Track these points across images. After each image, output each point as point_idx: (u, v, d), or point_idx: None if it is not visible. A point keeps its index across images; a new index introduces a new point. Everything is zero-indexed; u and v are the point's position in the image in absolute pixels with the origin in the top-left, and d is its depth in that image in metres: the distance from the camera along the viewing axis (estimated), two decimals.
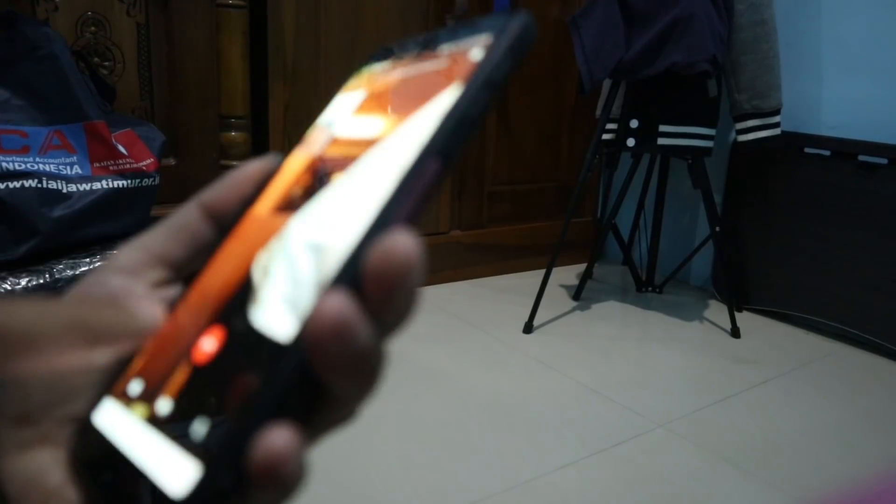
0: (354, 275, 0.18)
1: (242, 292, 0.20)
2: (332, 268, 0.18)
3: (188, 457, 0.18)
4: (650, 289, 2.07)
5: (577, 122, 2.25)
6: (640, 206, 2.08)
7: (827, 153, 1.75)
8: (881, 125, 1.68)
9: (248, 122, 1.48)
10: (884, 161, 1.65)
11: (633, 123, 1.70)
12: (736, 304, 1.87)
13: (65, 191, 1.09)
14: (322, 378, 0.18)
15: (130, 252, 0.23)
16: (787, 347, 1.70)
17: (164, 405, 0.19)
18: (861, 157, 1.69)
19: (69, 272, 1.09)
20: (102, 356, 0.21)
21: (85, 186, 1.11)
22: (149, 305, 0.22)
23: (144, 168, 1.20)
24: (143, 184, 1.19)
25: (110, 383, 0.21)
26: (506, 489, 1.07)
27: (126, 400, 0.20)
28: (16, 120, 1.10)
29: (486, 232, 2.14)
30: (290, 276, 0.19)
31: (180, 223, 0.24)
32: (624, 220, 2.17)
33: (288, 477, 0.17)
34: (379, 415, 1.27)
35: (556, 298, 1.95)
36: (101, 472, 0.19)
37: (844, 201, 1.72)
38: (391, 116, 0.22)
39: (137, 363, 0.21)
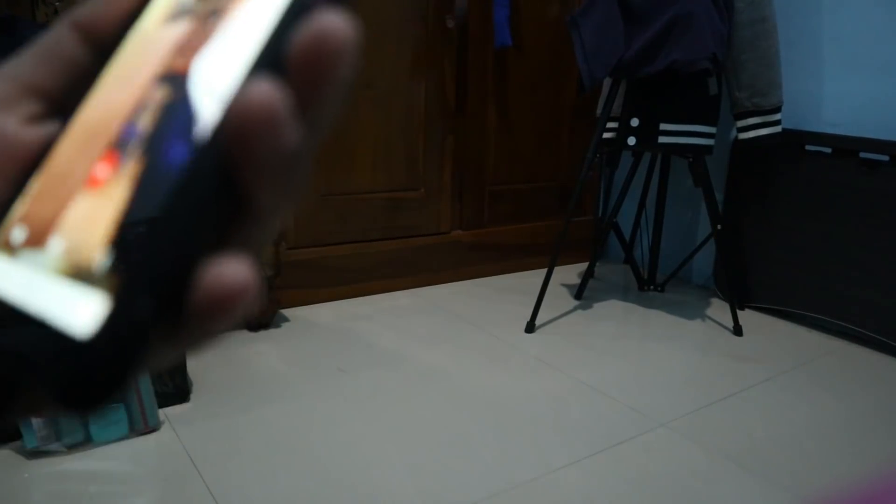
0: (279, 59, 0.16)
1: (143, 109, 0.17)
2: (252, 53, 0.16)
3: (93, 291, 0.15)
4: (652, 287, 2.07)
5: (577, 121, 2.25)
6: (641, 205, 2.08)
7: (828, 151, 1.75)
8: (882, 122, 1.67)
9: None
10: (885, 158, 1.65)
11: (634, 122, 1.70)
12: (738, 302, 1.87)
13: None
14: (244, 182, 0.16)
15: None
16: (789, 345, 1.70)
17: (56, 244, 0.17)
18: (862, 155, 1.69)
19: None
20: None
21: None
22: (23, 142, 0.19)
23: None
24: None
25: None
26: (508, 489, 1.07)
27: (8, 249, 0.18)
28: None
29: (486, 231, 2.14)
30: (201, 77, 0.17)
31: (52, 48, 0.20)
32: (625, 219, 2.17)
33: (243, 308, 0.15)
34: (380, 414, 1.27)
35: (558, 298, 1.95)
36: None
37: (846, 199, 1.72)
38: None
39: (19, 208, 0.18)
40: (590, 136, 1.81)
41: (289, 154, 0.16)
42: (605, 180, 2.32)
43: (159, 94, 0.17)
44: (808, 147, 1.79)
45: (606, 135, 1.84)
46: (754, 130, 1.71)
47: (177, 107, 0.17)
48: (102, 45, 0.20)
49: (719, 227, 1.78)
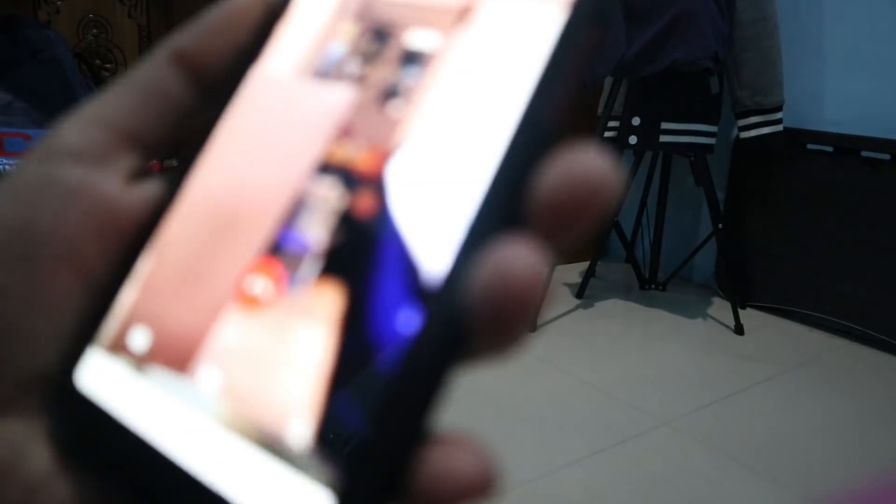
0: (524, 204, 0.13)
1: (303, 206, 0.13)
2: (487, 183, 0.13)
3: (274, 465, 0.12)
4: (653, 286, 2.07)
5: (578, 120, 2.25)
6: (643, 204, 2.08)
7: (829, 149, 1.75)
8: (884, 121, 1.67)
9: None
10: (887, 157, 1.65)
11: (635, 121, 1.70)
12: (739, 301, 1.87)
13: None
14: (478, 341, 0.13)
15: (87, 128, 0.15)
16: (790, 344, 1.70)
17: (212, 379, 0.13)
18: (864, 153, 1.68)
19: None
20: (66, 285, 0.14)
21: None
22: (126, 206, 0.15)
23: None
24: None
25: (90, 327, 0.14)
26: (509, 488, 1.07)
27: (129, 355, 0.14)
28: (18, 122, 1.10)
29: None
30: (410, 194, 0.13)
31: (150, 83, 0.16)
32: (626, 218, 2.17)
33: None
34: None
35: (560, 297, 1.95)
36: (97, 456, 0.14)
37: (847, 197, 1.72)
38: None
39: (132, 299, 0.14)
40: (591, 135, 1.81)
41: (534, 307, 0.13)
42: None
43: (328, 193, 0.13)
44: (809, 146, 1.79)
45: (608, 134, 1.84)
46: (756, 129, 1.71)
47: (369, 226, 0.13)
48: (208, 82, 0.16)
49: (720, 225, 1.78)
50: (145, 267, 0.14)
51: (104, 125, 0.15)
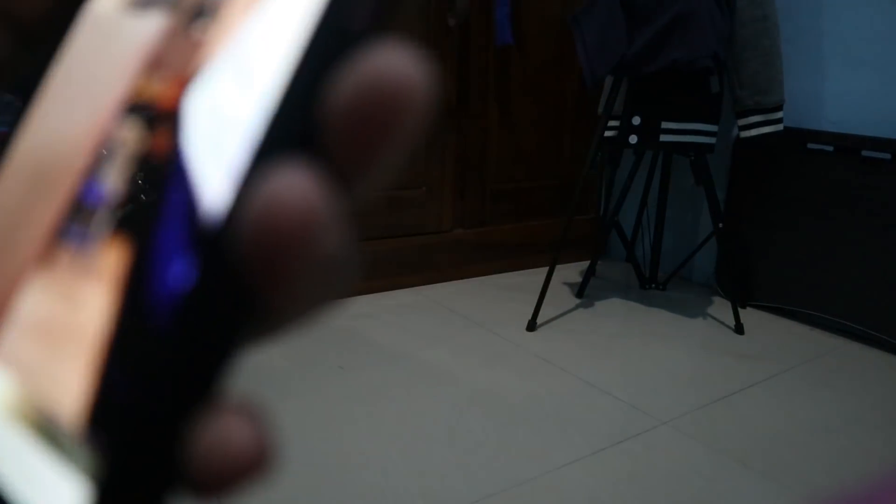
0: (315, 116, 0.11)
1: (107, 153, 0.12)
2: (274, 101, 0.11)
3: (62, 464, 0.12)
4: (653, 286, 2.07)
5: (578, 119, 2.25)
6: (643, 204, 2.08)
7: (830, 149, 1.75)
8: (884, 120, 1.67)
9: None
10: (887, 156, 1.65)
11: (636, 120, 1.70)
12: (739, 300, 1.86)
13: None
14: (260, 300, 0.11)
15: None
16: (791, 344, 1.70)
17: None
18: (864, 153, 1.68)
19: None
20: None
21: None
22: None
23: None
24: None
25: None
26: (510, 487, 1.07)
27: None
28: None
29: (488, 230, 2.14)
30: (194, 125, 0.12)
31: None
32: (627, 218, 2.17)
33: (255, 480, 0.12)
34: (381, 412, 1.27)
35: (560, 296, 1.95)
36: None
37: (848, 197, 1.72)
38: None
39: None
40: (591, 135, 1.81)
41: (329, 257, 0.11)
42: (607, 179, 2.32)
43: (130, 136, 0.12)
44: (809, 145, 1.78)
45: (608, 133, 1.84)
46: (756, 129, 1.71)
47: (161, 169, 0.12)
48: (36, 31, 0.14)
49: (721, 225, 1.78)
50: None
51: None
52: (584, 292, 1.97)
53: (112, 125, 0.12)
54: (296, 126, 0.11)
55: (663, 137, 1.68)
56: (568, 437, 1.23)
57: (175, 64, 0.12)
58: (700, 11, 1.52)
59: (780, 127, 1.71)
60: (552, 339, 1.66)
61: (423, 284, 2.02)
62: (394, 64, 0.11)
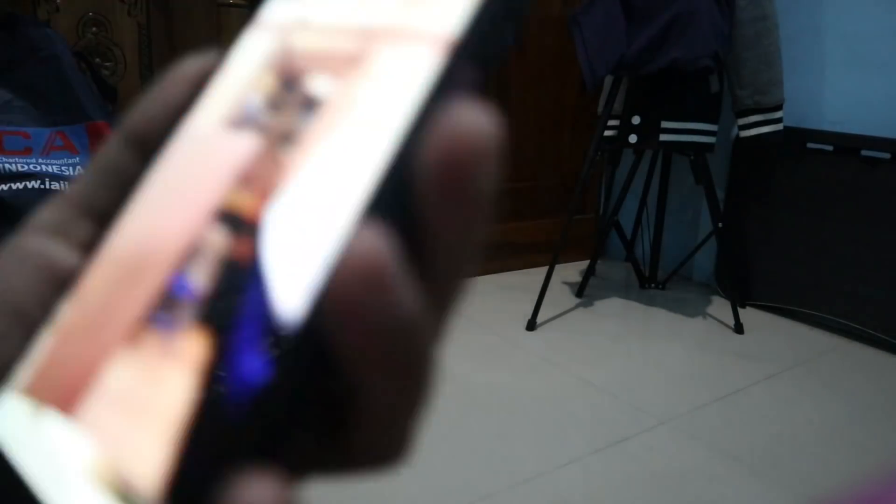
0: (393, 193, 0.13)
1: (196, 253, 0.14)
2: (358, 189, 0.13)
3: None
4: (653, 285, 2.07)
5: (578, 119, 2.25)
6: (643, 203, 2.08)
7: (829, 148, 1.75)
8: (884, 120, 1.67)
9: None
10: (887, 156, 1.65)
11: (635, 120, 1.70)
12: (739, 300, 1.87)
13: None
14: (343, 364, 0.12)
15: (55, 206, 0.18)
16: (790, 343, 1.70)
17: (85, 422, 0.14)
18: (864, 152, 1.68)
19: None
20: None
21: None
22: (69, 270, 0.17)
23: None
24: None
25: (11, 369, 0.15)
26: (509, 486, 1.07)
27: (31, 394, 0.15)
28: (18, 121, 1.10)
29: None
30: (286, 218, 0.13)
31: (105, 161, 0.18)
32: (626, 217, 2.17)
33: None
34: None
35: (559, 295, 1.95)
36: None
37: (847, 196, 1.72)
38: None
39: (46, 343, 0.15)
40: (591, 135, 1.81)
41: (405, 321, 0.12)
42: (607, 178, 2.32)
43: (217, 239, 0.14)
44: (809, 145, 1.79)
45: (608, 133, 1.84)
46: (756, 128, 1.71)
47: (245, 272, 0.13)
48: (152, 150, 0.17)
49: (720, 224, 1.78)
50: (63, 313, 0.16)
51: (67, 202, 0.18)
52: (583, 292, 1.97)
53: (201, 229, 0.14)
54: (389, 185, 0.13)
55: (663, 137, 1.68)
56: (567, 436, 1.23)
57: (261, 180, 0.14)
58: (700, 11, 1.52)
59: (779, 126, 1.71)
60: (552, 338, 1.66)
61: None
62: (470, 126, 0.12)
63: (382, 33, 0.14)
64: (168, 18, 1.52)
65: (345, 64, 0.15)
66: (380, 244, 0.12)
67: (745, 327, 1.74)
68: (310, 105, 0.14)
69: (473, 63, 0.14)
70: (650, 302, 1.96)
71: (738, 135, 1.77)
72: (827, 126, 1.78)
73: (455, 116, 0.12)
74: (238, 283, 0.13)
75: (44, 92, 1.12)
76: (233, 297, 0.13)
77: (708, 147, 1.69)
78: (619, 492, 1.07)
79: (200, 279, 0.14)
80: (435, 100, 0.13)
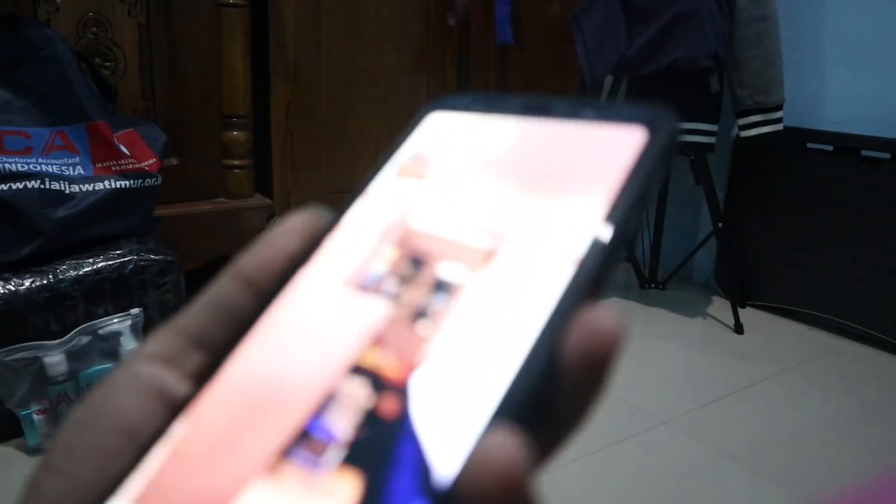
0: (532, 387, 0.14)
1: (333, 401, 0.15)
2: (494, 389, 0.14)
3: None
4: (653, 285, 2.07)
5: None
6: None
7: (830, 148, 1.75)
8: (884, 120, 1.67)
9: (250, 122, 1.48)
10: (887, 156, 1.65)
11: None
12: (739, 300, 1.86)
13: (67, 191, 1.09)
14: None
15: (165, 336, 0.20)
16: (790, 343, 1.70)
17: None
18: (864, 152, 1.68)
19: (72, 273, 1.09)
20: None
21: (87, 187, 1.12)
22: (180, 398, 0.19)
23: (147, 168, 1.20)
24: (146, 184, 1.19)
25: (120, 481, 0.16)
26: None
27: None
28: (18, 121, 1.10)
29: None
30: (431, 388, 0.15)
31: (217, 297, 0.20)
32: None
33: None
34: None
35: None
36: None
37: (847, 196, 1.72)
38: (525, 188, 0.17)
39: (162, 460, 0.16)
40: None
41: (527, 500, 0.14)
42: None
43: (355, 391, 0.15)
44: (809, 145, 1.78)
45: None
46: (756, 128, 1.71)
47: (388, 426, 0.14)
48: (264, 289, 0.19)
49: (720, 224, 1.78)
50: (179, 432, 0.16)
51: (178, 333, 0.19)
52: None
53: (337, 380, 0.15)
54: (516, 396, 0.14)
55: None
56: None
57: (399, 347, 0.15)
58: (700, 11, 1.52)
59: (779, 127, 1.71)
60: None
61: None
62: (607, 322, 0.15)
63: (515, 238, 0.16)
64: (168, 18, 1.52)
65: (475, 257, 0.16)
66: (520, 453, 0.13)
67: (745, 327, 1.74)
68: (443, 288, 0.16)
69: (598, 279, 0.16)
70: (650, 302, 1.96)
71: (738, 135, 1.77)
72: (827, 126, 1.78)
73: (596, 318, 0.15)
74: (386, 435, 0.14)
75: (44, 92, 1.12)
76: (383, 447, 0.14)
77: (708, 147, 1.69)
78: (619, 492, 1.07)
79: (341, 424, 0.15)
80: (571, 303, 0.15)
